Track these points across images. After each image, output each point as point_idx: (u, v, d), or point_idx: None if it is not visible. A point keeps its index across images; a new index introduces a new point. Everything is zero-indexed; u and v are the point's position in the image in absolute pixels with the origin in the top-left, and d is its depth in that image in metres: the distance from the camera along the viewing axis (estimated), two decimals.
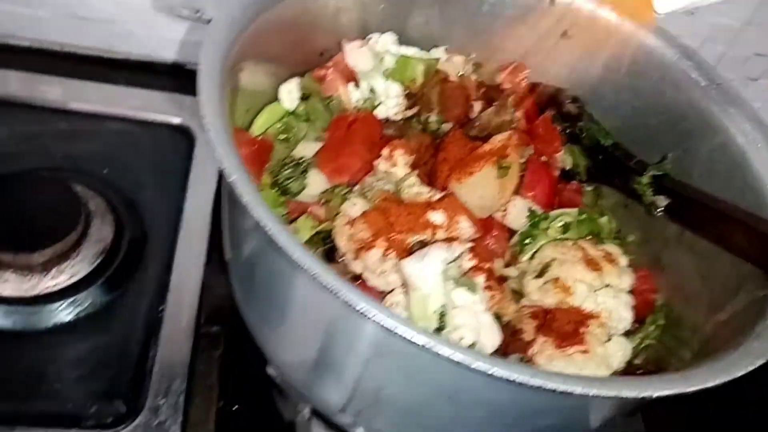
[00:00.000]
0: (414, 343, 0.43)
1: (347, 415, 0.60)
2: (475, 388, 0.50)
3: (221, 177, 0.95)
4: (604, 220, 0.76)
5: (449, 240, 0.62)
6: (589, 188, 0.80)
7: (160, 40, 1.06)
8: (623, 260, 0.73)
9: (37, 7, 1.01)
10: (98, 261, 0.82)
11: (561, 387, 0.42)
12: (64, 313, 0.78)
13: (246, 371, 0.79)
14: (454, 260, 0.59)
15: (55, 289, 0.79)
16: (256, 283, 0.60)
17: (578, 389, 0.42)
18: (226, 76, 0.57)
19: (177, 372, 0.77)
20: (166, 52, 1.08)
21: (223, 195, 0.69)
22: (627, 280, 0.71)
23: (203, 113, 0.52)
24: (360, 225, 0.62)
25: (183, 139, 1.00)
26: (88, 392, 0.74)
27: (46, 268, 0.79)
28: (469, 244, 0.63)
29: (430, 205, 0.63)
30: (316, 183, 0.69)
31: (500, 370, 0.41)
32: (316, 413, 0.68)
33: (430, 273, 0.58)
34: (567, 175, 0.80)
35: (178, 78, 1.09)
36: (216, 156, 0.49)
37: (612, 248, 0.73)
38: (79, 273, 0.81)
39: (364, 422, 0.60)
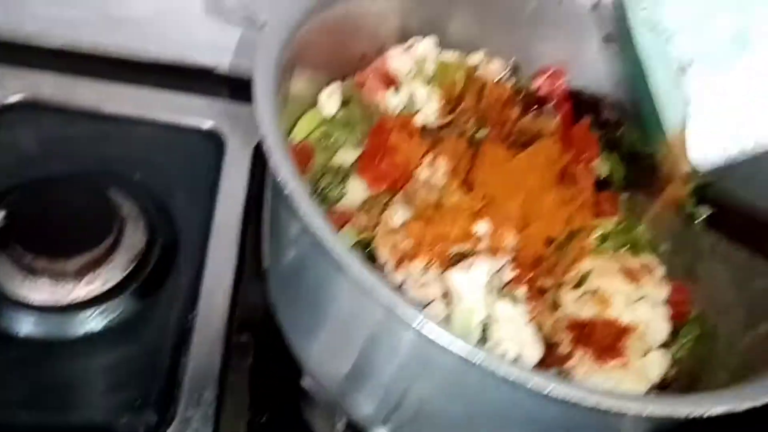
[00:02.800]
0: (468, 360, 0.42)
1: (387, 429, 0.60)
2: (525, 405, 0.49)
3: (253, 183, 0.95)
4: (640, 229, 0.75)
5: (492, 250, 0.61)
6: (624, 196, 0.79)
7: (193, 43, 1.06)
8: (660, 271, 0.72)
9: (70, 6, 1.01)
10: (131, 268, 0.82)
11: (630, 408, 0.41)
12: (95, 321, 0.78)
13: (277, 382, 0.79)
14: (497, 271, 0.59)
15: (88, 296, 0.79)
16: (298, 291, 0.59)
17: (646, 409, 0.41)
18: (278, 83, 0.57)
19: (208, 382, 0.76)
20: (198, 55, 1.08)
21: (266, 202, 0.68)
22: (664, 292, 0.70)
23: (260, 121, 0.52)
24: (402, 235, 0.61)
25: (213, 143, 1.00)
26: (119, 402, 0.74)
27: (80, 274, 0.79)
28: (511, 254, 0.62)
29: (474, 215, 0.62)
30: (356, 190, 0.69)
31: (560, 389, 0.40)
32: (351, 426, 0.68)
33: (475, 284, 0.57)
34: (602, 184, 0.78)
35: (209, 81, 1.09)
36: (272, 166, 0.49)
37: (649, 259, 0.72)
38: (112, 280, 0.80)
39: None
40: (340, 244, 0.46)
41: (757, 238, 0.63)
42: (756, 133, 0.60)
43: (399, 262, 0.61)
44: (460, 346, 0.43)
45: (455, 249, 0.62)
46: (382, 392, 0.56)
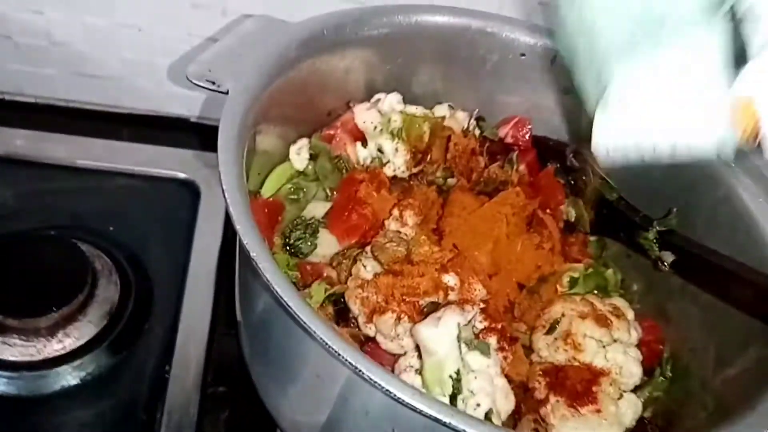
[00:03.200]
0: (439, 419, 0.43)
1: None
2: None
3: (227, 233, 0.96)
4: (609, 272, 0.77)
5: (462, 301, 0.62)
6: (592, 239, 0.81)
7: (167, 95, 1.07)
8: (630, 314, 0.73)
9: (43, 65, 1.02)
10: (105, 322, 0.82)
11: None
12: (70, 377, 0.78)
13: None
14: (468, 323, 0.60)
15: (61, 352, 0.78)
16: (267, 345, 0.60)
17: None
18: (242, 143, 0.58)
19: None
20: (172, 107, 1.09)
21: (238, 257, 0.69)
22: (635, 335, 0.71)
23: (224, 182, 0.53)
24: (372, 288, 0.62)
25: (188, 193, 1.01)
26: None
27: (52, 332, 0.79)
28: (481, 305, 0.63)
29: (442, 267, 0.63)
30: (326, 243, 0.70)
31: None
32: None
33: (445, 337, 0.58)
34: (570, 227, 0.80)
35: (183, 132, 1.10)
36: (234, 223, 0.50)
37: (619, 302, 0.74)
38: (86, 336, 0.80)
39: None
40: (304, 308, 0.47)
41: (723, 286, 0.64)
42: (657, 139, 0.57)
43: (370, 316, 0.62)
44: (429, 406, 0.43)
45: (426, 300, 0.63)
46: None
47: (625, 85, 0.56)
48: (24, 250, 0.82)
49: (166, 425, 0.76)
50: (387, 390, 0.44)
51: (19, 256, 0.81)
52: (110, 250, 0.89)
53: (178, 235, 0.95)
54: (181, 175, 1.02)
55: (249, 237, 0.49)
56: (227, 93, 0.62)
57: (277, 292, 0.47)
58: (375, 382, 0.44)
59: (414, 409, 0.44)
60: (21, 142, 1.00)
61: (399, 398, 0.44)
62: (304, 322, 0.46)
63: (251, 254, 0.49)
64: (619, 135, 0.57)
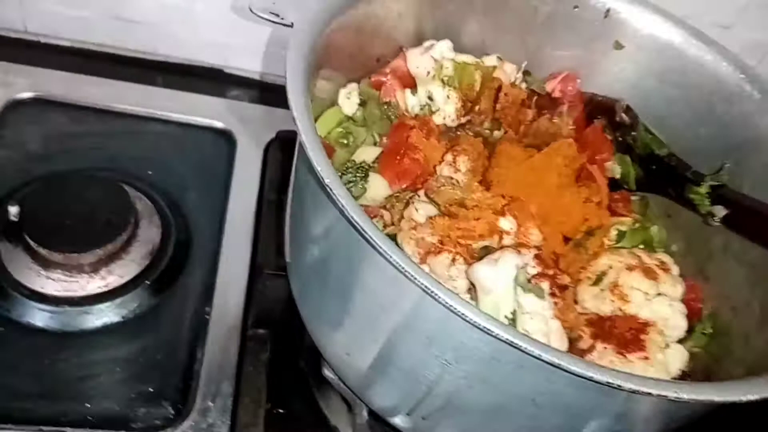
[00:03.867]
0: (513, 343, 0.43)
1: (411, 419, 0.60)
2: (558, 392, 0.50)
3: (264, 182, 0.96)
4: (654, 229, 0.77)
5: (517, 246, 0.62)
6: (635, 198, 0.80)
7: (202, 44, 1.07)
8: (675, 269, 0.73)
9: (80, 7, 1.02)
10: (146, 263, 0.82)
11: (671, 392, 0.42)
12: (112, 314, 0.79)
13: (294, 375, 0.79)
14: (524, 266, 0.60)
15: (104, 290, 0.79)
16: (326, 281, 0.60)
17: (698, 396, 0.42)
18: (308, 75, 0.58)
19: (225, 374, 0.77)
20: (207, 56, 1.09)
21: (291, 196, 0.69)
22: (680, 289, 0.71)
23: (297, 119, 0.53)
24: (428, 229, 0.62)
25: (224, 142, 1.01)
26: (136, 394, 0.74)
27: (95, 269, 0.79)
28: (535, 251, 0.63)
29: (500, 211, 0.63)
30: (376, 187, 0.69)
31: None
32: (373, 415, 0.68)
33: (502, 278, 0.58)
34: (615, 185, 0.80)
35: (217, 82, 1.10)
36: (312, 162, 0.50)
37: (664, 257, 0.74)
38: (128, 274, 0.81)
39: (429, 427, 0.60)
40: (377, 231, 0.47)
41: None
42: None
43: (424, 257, 0.62)
44: (503, 330, 0.44)
45: (480, 244, 0.63)
46: (410, 383, 0.56)
47: None
48: (65, 190, 0.82)
49: (207, 364, 0.77)
50: (462, 313, 0.44)
51: (61, 195, 0.81)
52: (150, 193, 0.89)
53: (215, 182, 0.95)
54: (218, 124, 1.02)
55: (322, 164, 0.49)
56: (291, 26, 0.61)
57: (352, 217, 0.47)
58: (449, 304, 0.44)
59: (488, 332, 0.44)
60: (57, 84, 0.99)
61: (473, 321, 0.44)
62: (379, 246, 0.46)
63: (325, 181, 0.49)
64: None
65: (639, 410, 0.53)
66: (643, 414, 0.55)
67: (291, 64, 0.56)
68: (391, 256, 0.46)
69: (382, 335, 0.56)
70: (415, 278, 0.45)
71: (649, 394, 0.44)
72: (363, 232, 0.47)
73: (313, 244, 0.61)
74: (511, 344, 0.44)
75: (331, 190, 0.49)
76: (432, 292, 0.45)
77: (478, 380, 0.52)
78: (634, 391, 0.43)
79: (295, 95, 0.54)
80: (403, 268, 0.46)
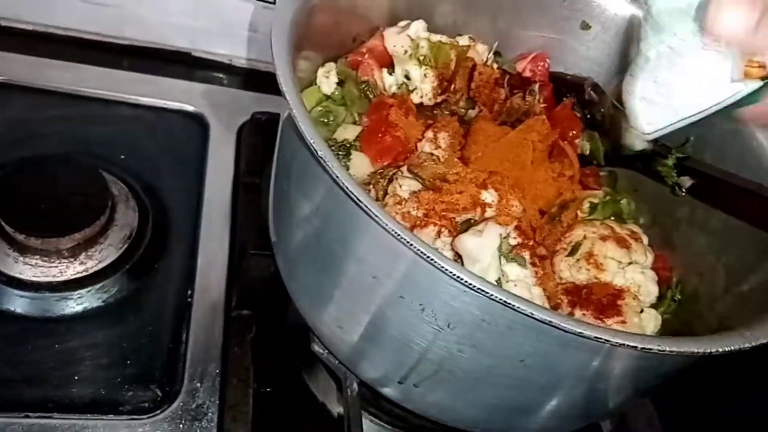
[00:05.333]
0: (508, 304, 0.45)
1: (403, 388, 0.62)
2: (546, 352, 0.52)
3: (239, 165, 0.96)
4: (624, 202, 0.81)
5: (498, 217, 0.64)
6: (604, 173, 0.84)
7: (170, 27, 1.06)
8: (645, 238, 0.77)
9: None
10: (125, 246, 0.82)
11: (655, 346, 0.45)
12: (92, 299, 0.78)
13: (279, 354, 0.80)
14: (506, 236, 0.62)
15: (84, 274, 0.78)
16: (315, 254, 0.61)
17: (670, 347, 0.45)
18: (292, 51, 0.59)
19: (211, 355, 0.77)
20: (175, 39, 1.08)
21: (275, 173, 0.69)
22: (650, 257, 0.75)
23: (286, 92, 0.54)
24: (413, 204, 0.64)
25: (196, 126, 1.01)
26: (122, 378, 0.74)
27: (74, 253, 0.79)
28: (516, 222, 0.65)
29: (482, 184, 0.65)
30: (359, 165, 0.71)
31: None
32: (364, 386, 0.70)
33: (487, 247, 0.60)
34: (584, 161, 0.83)
35: (186, 65, 1.09)
36: (304, 134, 0.51)
37: (634, 227, 0.77)
38: (107, 259, 0.80)
39: (421, 394, 0.62)
40: (371, 200, 0.49)
41: (741, 205, 0.68)
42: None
43: (411, 230, 0.63)
44: (498, 291, 0.46)
45: (463, 217, 0.65)
46: (402, 351, 0.58)
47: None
48: (45, 173, 0.81)
49: (193, 345, 0.77)
50: (458, 276, 0.46)
51: (40, 178, 0.80)
52: (124, 177, 0.88)
53: (190, 166, 0.95)
54: (189, 108, 1.02)
55: (314, 137, 0.51)
56: (274, 2, 0.61)
57: (346, 187, 0.48)
58: (445, 269, 0.46)
59: (484, 293, 0.46)
60: (21, 68, 0.97)
61: (469, 283, 0.46)
62: (374, 214, 0.47)
63: (318, 153, 0.50)
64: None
65: (619, 369, 0.56)
66: (621, 373, 0.58)
67: (276, 39, 0.57)
68: (387, 224, 0.47)
69: (374, 305, 0.57)
70: (412, 244, 0.47)
71: (635, 347, 0.46)
72: (358, 201, 0.48)
73: (302, 219, 0.62)
74: (504, 304, 0.46)
75: (324, 161, 0.50)
76: (428, 257, 0.47)
77: (469, 344, 0.54)
78: (620, 345, 0.46)
79: (282, 70, 0.56)
80: (398, 234, 0.47)
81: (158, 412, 0.72)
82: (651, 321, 0.68)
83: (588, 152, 0.83)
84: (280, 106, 1.00)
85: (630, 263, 0.72)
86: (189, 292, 0.82)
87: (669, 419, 0.86)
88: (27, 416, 0.68)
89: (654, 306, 0.74)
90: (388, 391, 0.65)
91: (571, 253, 0.72)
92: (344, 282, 0.59)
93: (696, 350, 0.48)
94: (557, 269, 0.73)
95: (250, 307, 0.80)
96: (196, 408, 0.73)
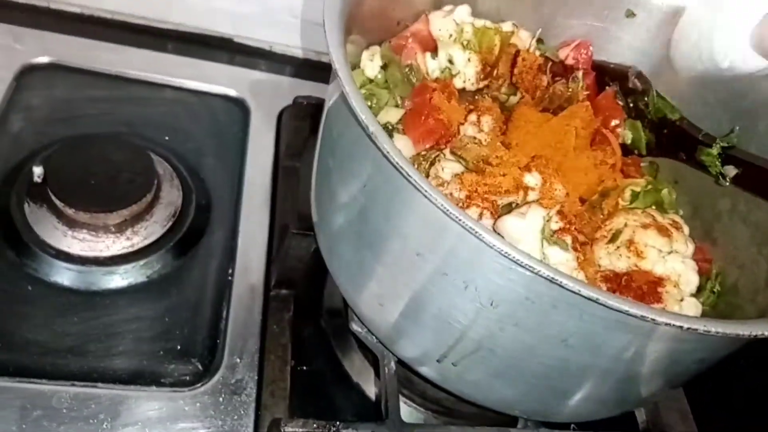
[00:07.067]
0: (554, 281, 0.46)
1: (441, 366, 0.63)
2: (589, 332, 0.53)
3: (279, 149, 0.98)
4: (665, 191, 0.80)
5: (541, 201, 0.64)
6: (645, 163, 0.83)
7: (213, 12, 1.07)
8: (686, 228, 0.76)
9: None
10: (169, 224, 0.84)
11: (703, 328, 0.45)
12: (137, 274, 0.80)
13: (317, 333, 0.81)
14: (549, 219, 0.62)
15: (130, 250, 0.80)
16: (360, 233, 0.62)
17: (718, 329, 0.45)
18: (344, 32, 0.59)
19: (250, 332, 0.79)
20: (218, 24, 1.09)
21: (318, 157, 0.70)
22: (691, 247, 0.74)
23: (338, 69, 0.54)
24: (455, 186, 0.64)
25: (238, 110, 1.02)
26: (164, 351, 0.76)
27: (120, 229, 0.81)
28: (559, 206, 0.65)
29: (525, 167, 0.66)
30: (401, 147, 0.71)
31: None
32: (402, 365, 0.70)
33: (530, 230, 0.60)
34: (626, 150, 0.83)
35: (227, 51, 1.11)
36: (355, 110, 0.52)
37: (676, 217, 0.77)
38: (152, 235, 0.82)
39: (459, 373, 0.62)
40: (420, 175, 0.49)
41: None
42: None
43: None
44: (546, 268, 0.46)
45: (505, 200, 0.65)
46: (443, 329, 0.59)
47: None
48: (94, 151, 0.83)
49: (233, 322, 0.79)
50: (506, 252, 0.46)
51: (90, 155, 0.82)
52: (168, 157, 0.90)
53: (231, 149, 0.97)
54: (231, 92, 1.04)
55: (365, 112, 0.51)
56: None
57: (397, 162, 0.49)
58: (493, 244, 0.47)
59: (530, 269, 0.46)
60: (70, 49, 1.00)
61: (518, 260, 0.46)
62: (424, 188, 0.48)
63: (369, 129, 0.51)
64: None
65: (660, 352, 0.56)
66: (662, 357, 0.58)
67: (329, 19, 0.58)
68: (436, 198, 0.48)
69: (417, 282, 0.58)
70: (460, 219, 0.47)
71: (681, 327, 0.46)
72: (408, 176, 0.49)
73: (346, 198, 0.63)
74: (552, 281, 0.46)
75: (374, 137, 0.50)
76: (476, 232, 0.47)
77: (511, 323, 0.54)
78: (666, 324, 0.46)
79: (335, 47, 0.56)
80: (447, 209, 0.48)
81: (199, 385, 0.74)
82: (691, 309, 0.68)
83: (630, 141, 0.83)
84: (319, 91, 1.02)
85: (671, 252, 0.71)
86: (230, 270, 0.83)
87: (701, 414, 0.87)
88: (73, 384, 0.70)
89: (693, 297, 0.74)
90: (425, 370, 0.65)
91: (612, 241, 0.72)
92: (387, 259, 0.60)
93: (742, 333, 0.48)
94: (596, 257, 0.72)
95: (289, 286, 0.81)
96: (236, 383, 0.75)
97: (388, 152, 0.50)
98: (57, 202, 0.78)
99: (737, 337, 0.48)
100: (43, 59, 0.97)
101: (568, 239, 0.65)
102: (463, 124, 0.72)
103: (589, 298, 0.46)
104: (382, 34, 0.79)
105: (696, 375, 0.65)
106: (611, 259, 0.72)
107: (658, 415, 0.80)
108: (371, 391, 0.78)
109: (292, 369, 0.76)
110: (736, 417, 0.90)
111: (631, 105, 0.82)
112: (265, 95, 1.05)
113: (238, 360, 0.76)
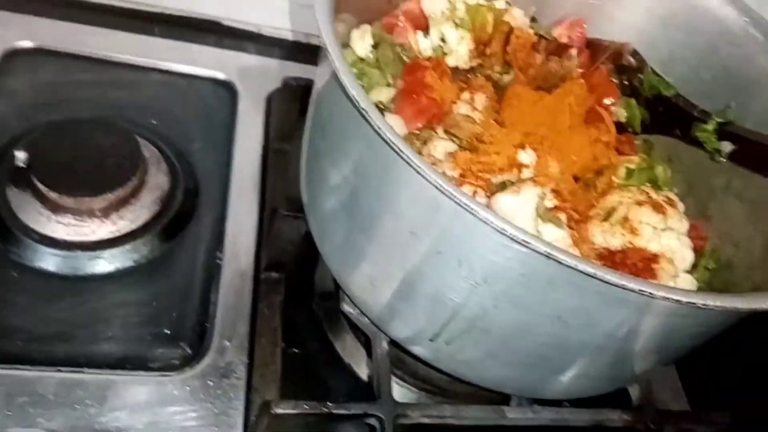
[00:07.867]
0: (552, 257, 0.45)
1: (434, 345, 0.62)
2: (585, 309, 0.52)
3: (268, 132, 0.96)
4: (659, 169, 0.79)
5: (535, 179, 0.63)
6: (638, 141, 0.82)
7: None
8: (681, 205, 0.75)
9: None
10: (156, 209, 0.82)
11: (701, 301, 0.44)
12: (124, 258, 0.78)
13: (308, 316, 0.80)
14: (543, 197, 0.61)
15: (116, 234, 0.79)
16: (353, 213, 0.61)
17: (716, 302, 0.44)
18: (334, 12, 0.58)
19: (240, 316, 0.78)
20: (206, 7, 1.07)
21: (308, 138, 0.69)
22: (686, 224, 0.73)
23: (328, 47, 0.53)
24: (448, 164, 0.63)
25: (226, 93, 1.01)
26: (153, 336, 0.75)
27: (106, 213, 0.79)
28: (553, 184, 0.64)
29: (519, 144, 0.64)
30: (393, 126, 0.70)
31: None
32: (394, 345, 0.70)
33: (525, 207, 0.59)
34: (620, 128, 0.82)
35: (216, 33, 1.08)
36: (347, 87, 0.50)
37: (670, 194, 0.76)
38: (139, 219, 0.81)
39: (452, 352, 0.61)
40: (414, 152, 0.48)
41: None
42: None
43: None
44: (542, 243, 0.45)
45: (499, 178, 0.64)
46: (436, 308, 0.58)
47: None
48: (76, 135, 0.81)
49: (222, 306, 0.78)
50: (501, 228, 0.45)
51: (72, 139, 0.80)
52: (155, 141, 0.89)
53: (219, 132, 0.95)
54: (219, 75, 1.02)
55: (356, 89, 0.50)
56: None
57: (390, 139, 0.48)
58: (489, 220, 0.45)
59: (526, 245, 0.45)
60: (54, 33, 0.98)
61: (514, 236, 0.45)
62: (417, 165, 0.47)
63: (360, 105, 0.49)
64: None
65: (656, 328, 0.55)
66: (658, 332, 0.57)
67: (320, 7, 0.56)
68: (429, 174, 0.47)
69: (410, 262, 0.57)
70: (454, 195, 0.46)
71: (679, 301, 0.45)
72: (400, 152, 0.48)
73: (338, 178, 0.62)
74: (548, 256, 0.45)
75: (367, 113, 0.49)
76: (471, 208, 0.46)
77: (506, 300, 0.53)
78: (664, 299, 0.45)
79: (324, 24, 0.55)
80: (441, 185, 0.47)
81: (187, 368, 0.73)
82: (687, 285, 0.67)
83: (624, 120, 0.82)
84: (309, 74, 1.01)
85: (665, 229, 0.70)
86: (218, 254, 0.82)
87: (692, 390, 0.87)
88: (59, 370, 0.69)
89: (688, 273, 0.73)
90: (418, 349, 0.64)
91: (606, 218, 0.71)
92: (380, 239, 0.59)
93: (740, 306, 0.47)
94: (591, 234, 0.71)
95: (279, 269, 0.80)
96: (225, 366, 0.73)
97: (379, 128, 0.48)
98: (41, 186, 0.76)
99: (735, 311, 0.47)
100: (27, 43, 0.95)
101: (563, 217, 0.64)
102: (456, 102, 0.71)
103: (586, 273, 0.45)
104: (373, 13, 0.77)
105: (690, 351, 0.64)
106: (606, 236, 0.71)
107: (650, 392, 0.79)
108: (364, 372, 0.78)
109: (283, 352, 0.75)
110: (727, 393, 0.90)
111: (626, 83, 0.81)
112: (254, 78, 1.03)
113: (228, 343, 0.75)
